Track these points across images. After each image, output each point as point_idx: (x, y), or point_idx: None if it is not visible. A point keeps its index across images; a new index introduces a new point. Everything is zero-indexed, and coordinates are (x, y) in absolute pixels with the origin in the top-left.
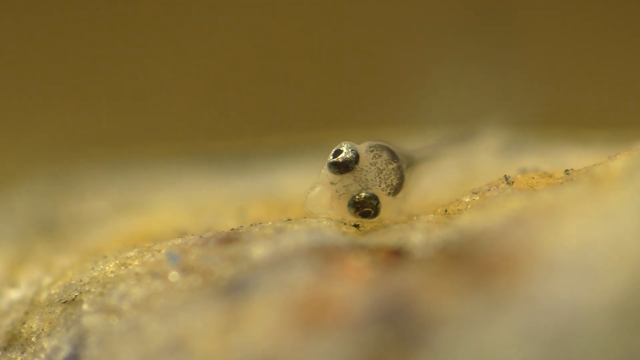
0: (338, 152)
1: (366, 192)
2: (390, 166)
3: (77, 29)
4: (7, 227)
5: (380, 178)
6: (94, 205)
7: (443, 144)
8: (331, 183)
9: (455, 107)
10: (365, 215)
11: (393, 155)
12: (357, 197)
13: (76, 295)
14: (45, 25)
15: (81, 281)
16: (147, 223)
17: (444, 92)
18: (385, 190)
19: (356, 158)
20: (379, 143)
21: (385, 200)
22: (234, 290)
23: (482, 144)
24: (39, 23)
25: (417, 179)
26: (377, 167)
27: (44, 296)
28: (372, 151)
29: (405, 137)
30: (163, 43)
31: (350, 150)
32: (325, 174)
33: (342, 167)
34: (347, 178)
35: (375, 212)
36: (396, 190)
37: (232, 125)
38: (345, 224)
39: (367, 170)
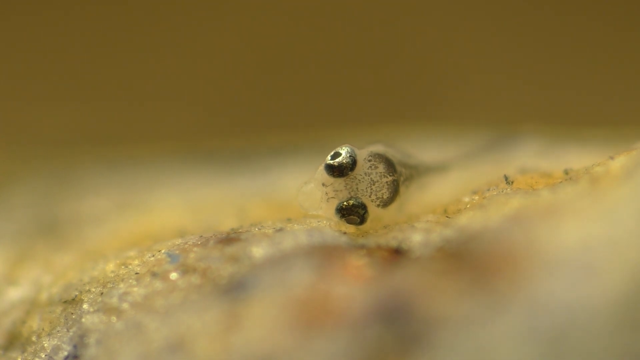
0: (336, 155)
1: (355, 200)
2: (384, 179)
3: (77, 28)
4: (7, 226)
5: (371, 189)
6: (94, 204)
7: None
8: (323, 184)
9: (457, 106)
10: (352, 222)
11: (390, 168)
12: (344, 203)
13: (76, 295)
14: (46, 25)
15: (81, 280)
16: (147, 222)
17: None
18: (375, 202)
19: (352, 165)
20: (380, 153)
21: (375, 211)
22: (233, 289)
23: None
24: (39, 23)
25: (421, 191)
26: (371, 179)
27: (44, 295)
28: (370, 161)
29: (404, 136)
30: (163, 42)
31: (348, 155)
32: (321, 172)
33: (336, 171)
34: (339, 183)
35: (362, 220)
36: (386, 203)
37: (232, 125)
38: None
39: (359, 180)
